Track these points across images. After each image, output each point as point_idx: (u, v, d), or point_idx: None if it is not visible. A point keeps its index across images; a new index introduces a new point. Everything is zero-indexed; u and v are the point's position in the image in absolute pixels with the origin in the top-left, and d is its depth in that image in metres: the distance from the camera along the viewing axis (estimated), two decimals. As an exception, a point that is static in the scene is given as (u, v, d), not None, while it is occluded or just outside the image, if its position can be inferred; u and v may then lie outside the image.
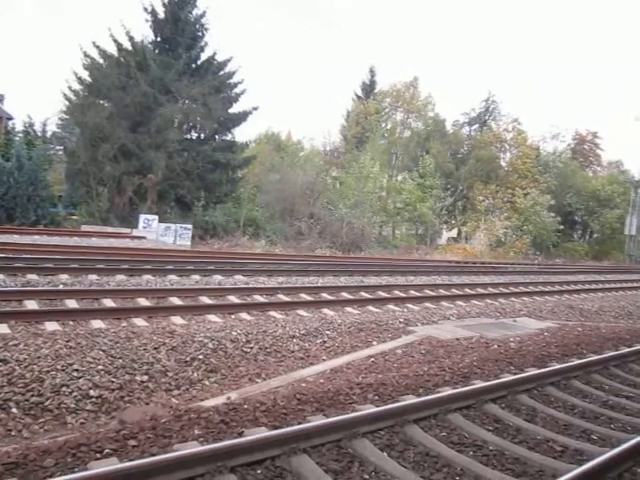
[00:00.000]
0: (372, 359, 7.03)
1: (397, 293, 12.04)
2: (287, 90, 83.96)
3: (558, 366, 6.24)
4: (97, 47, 26.57)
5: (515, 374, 5.88)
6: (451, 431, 4.32)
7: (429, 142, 40.48)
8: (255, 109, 29.37)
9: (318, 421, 4.00)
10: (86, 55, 26.43)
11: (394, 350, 7.49)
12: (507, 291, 14.25)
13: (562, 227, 38.09)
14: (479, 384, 5.28)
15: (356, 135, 41.51)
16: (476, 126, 45.68)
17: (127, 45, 27.01)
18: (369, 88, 45.80)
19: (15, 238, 16.11)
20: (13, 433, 4.69)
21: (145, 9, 27.81)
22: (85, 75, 26.79)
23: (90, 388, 5.42)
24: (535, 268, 22.56)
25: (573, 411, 5.10)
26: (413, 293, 12.32)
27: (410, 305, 10.84)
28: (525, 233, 36.44)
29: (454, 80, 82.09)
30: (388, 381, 5.45)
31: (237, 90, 29.60)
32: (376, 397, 4.93)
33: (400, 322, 9.10)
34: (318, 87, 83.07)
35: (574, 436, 4.44)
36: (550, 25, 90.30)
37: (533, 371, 5.97)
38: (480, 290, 13.86)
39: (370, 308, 10.12)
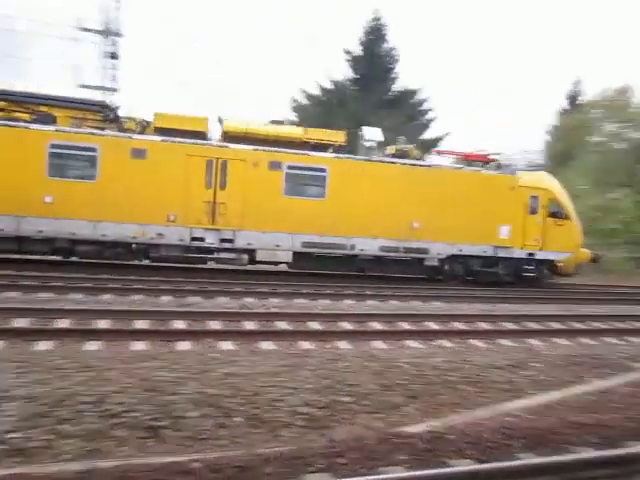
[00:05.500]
0: (588, 397, 6.37)
1: (614, 324, 10.77)
2: (479, 110, 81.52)
3: None
4: (303, 92, 29.71)
5: None
6: (693, 488, 3.71)
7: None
8: (447, 134, 29.40)
9: (530, 460, 3.76)
10: (294, 100, 29.70)
11: (615, 388, 6.69)
12: None
13: None
14: None
15: (562, 151, 38.46)
16: None
17: (328, 85, 29.60)
18: (574, 100, 42.40)
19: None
20: (237, 440, 5.21)
21: (345, 51, 30.13)
22: (293, 117, 29.90)
23: (300, 405, 5.80)
24: None
25: None
26: (635, 325, 10.90)
27: (633, 339, 9.61)
28: None
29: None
30: (609, 423, 4.90)
31: (428, 117, 30.01)
32: (595, 440, 4.46)
33: (622, 357, 8.12)
34: (513, 104, 79.08)
35: None
36: None
37: None
38: None
39: (582, 340, 9.22)
